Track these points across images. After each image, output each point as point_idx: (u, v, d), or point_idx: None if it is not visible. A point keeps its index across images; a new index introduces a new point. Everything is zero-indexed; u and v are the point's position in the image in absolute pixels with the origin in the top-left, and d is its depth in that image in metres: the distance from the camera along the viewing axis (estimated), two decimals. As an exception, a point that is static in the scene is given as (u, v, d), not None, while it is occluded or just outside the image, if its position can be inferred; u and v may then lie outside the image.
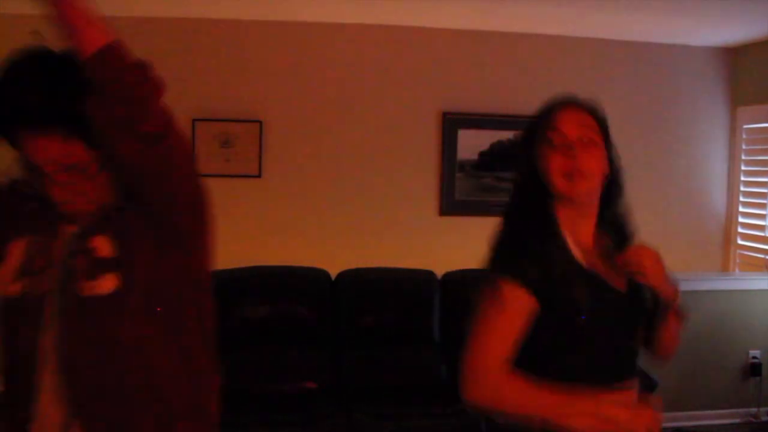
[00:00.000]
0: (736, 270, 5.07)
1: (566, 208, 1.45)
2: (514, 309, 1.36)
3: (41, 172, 1.26)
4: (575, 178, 1.40)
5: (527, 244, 1.40)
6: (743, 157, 5.03)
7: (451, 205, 4.83)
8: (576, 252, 1.43)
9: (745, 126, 5.01)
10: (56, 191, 1.28)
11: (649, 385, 3.30)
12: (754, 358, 4.27)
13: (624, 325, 1.46)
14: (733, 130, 5.12)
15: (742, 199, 5.05)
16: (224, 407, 3.26)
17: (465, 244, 4.21)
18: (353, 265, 3.91)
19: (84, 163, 1.26)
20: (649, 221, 5.55)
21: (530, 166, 1.45)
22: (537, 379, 1.35)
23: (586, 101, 1.49)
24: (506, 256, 1.42)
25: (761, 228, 4.83)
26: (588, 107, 1.47)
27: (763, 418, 4.25)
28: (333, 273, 3.81)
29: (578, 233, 1.46)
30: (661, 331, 1.53)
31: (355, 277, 3.82)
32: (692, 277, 4.44)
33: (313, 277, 3.79)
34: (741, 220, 5.05)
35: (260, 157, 4.69)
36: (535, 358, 1.39)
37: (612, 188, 1.49)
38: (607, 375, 1.42)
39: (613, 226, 1.53)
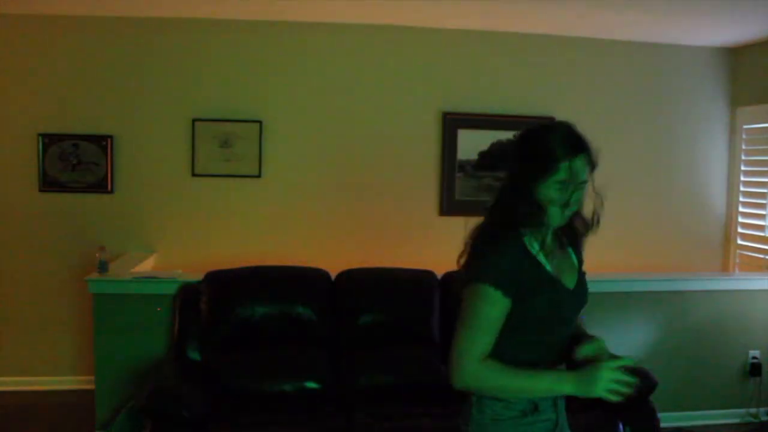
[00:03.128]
0: (736, 270, 5.08)
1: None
2: (496, 310, 1.65)
3: None
4: (567, 212, 1.69)
5: (508, 256, 1.67)
6: (743, 157, 5.03)
7: (451, 205, 4.83)
8: (544, 260, 1.71)
9: (745, 126, 5.01)
10: None
11: (648, 385, 3.30)
12: (754, 358, 4.28)
13: (567, 316, 1.77)
14: (733, 130, 5.12)
15: (742, 199, 5.05)
16: (224, 407, 3.25)
17: (465, 244, 4.21)
18: (353, 265, 3.91)
19: None
20: (649, 221, 5.57)
21: (529, 187, 1.67)
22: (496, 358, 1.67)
23: (593, 147, 1.70)
24: (490, 265, 1.67)
25: (761, 228, 4.83)
26: (593, 153, 1.70)
27: (763, 418, 4.25)
28: (333, 273, 3.81)
29: (545, 242, 1.75)
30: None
31: (355, 277, 3.81)
32: (692, 277, 4.45)
33: (313, 277, 3.78)
34: (741, 220, 5.06)
35: (260, 157, 4.69)
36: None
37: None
38: (548, 356, 1.74)
39: (571, 228, 1.82)
